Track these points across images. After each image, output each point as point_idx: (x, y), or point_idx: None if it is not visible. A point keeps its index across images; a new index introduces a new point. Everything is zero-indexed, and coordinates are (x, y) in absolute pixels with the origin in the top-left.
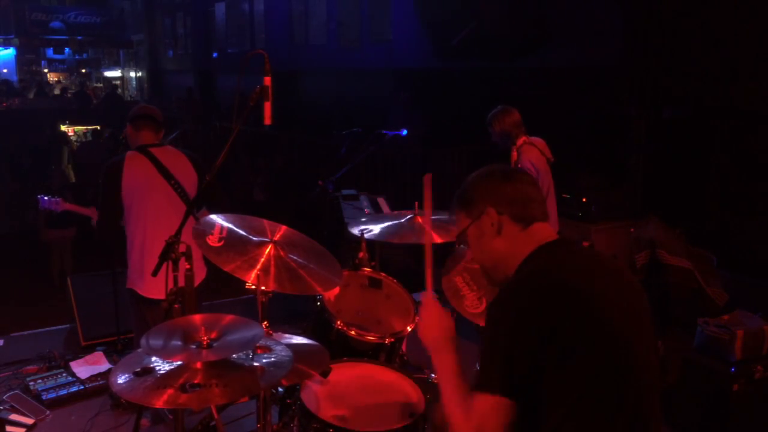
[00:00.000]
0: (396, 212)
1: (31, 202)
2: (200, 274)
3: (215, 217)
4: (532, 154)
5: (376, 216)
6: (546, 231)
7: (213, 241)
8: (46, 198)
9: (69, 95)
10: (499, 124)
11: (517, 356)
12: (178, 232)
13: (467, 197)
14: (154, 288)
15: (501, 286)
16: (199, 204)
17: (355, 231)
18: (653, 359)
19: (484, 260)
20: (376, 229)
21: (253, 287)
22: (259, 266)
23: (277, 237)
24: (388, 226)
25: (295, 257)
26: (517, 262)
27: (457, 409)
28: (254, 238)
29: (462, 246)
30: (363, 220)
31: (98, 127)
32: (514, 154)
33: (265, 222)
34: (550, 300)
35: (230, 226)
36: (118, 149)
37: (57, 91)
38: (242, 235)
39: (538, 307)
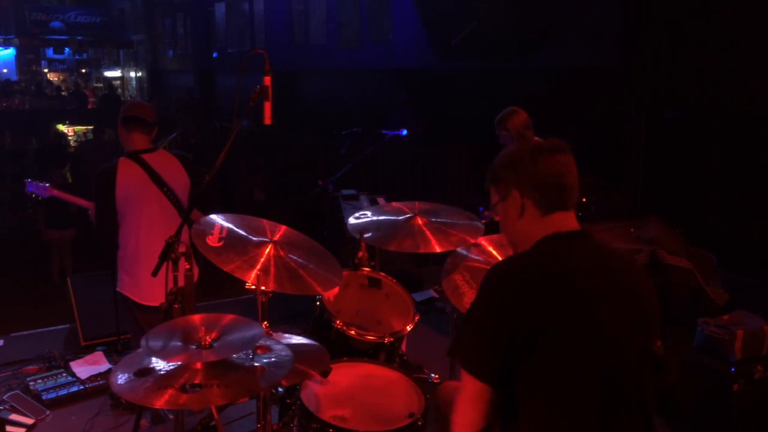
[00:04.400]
0: (393, 205)
1: (31, 203)
2: None
3: (215, 217)
4: None
5: (374, 209)
6: (564, 221)
7: (213, 241)
8: (33, 182)
9: (64, 94)
10: (513, 125)
11: (497, 345)
12: (178, 232)
13: (496, 176)
14: (147, 295)
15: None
16: (193, 206)
17: (352, 219)
18: (646, 358)
19: (509, 237)
20: (371, 227)
21: (253, 287)
22: (259, 266)
23: (277, 237)
24: (385, 225)
25: (295, 257)
26: (529, 245)
27: None
28: (254, 238)
29: (460, 249)
30: (358, 215)
31: (96, 126)
32: None
33: (265, 222)
34: (528, 292)
35: (230, 226)
36: (119, 150)
37: (64, 92)
38: (242, 235)
39: (517, 299)
